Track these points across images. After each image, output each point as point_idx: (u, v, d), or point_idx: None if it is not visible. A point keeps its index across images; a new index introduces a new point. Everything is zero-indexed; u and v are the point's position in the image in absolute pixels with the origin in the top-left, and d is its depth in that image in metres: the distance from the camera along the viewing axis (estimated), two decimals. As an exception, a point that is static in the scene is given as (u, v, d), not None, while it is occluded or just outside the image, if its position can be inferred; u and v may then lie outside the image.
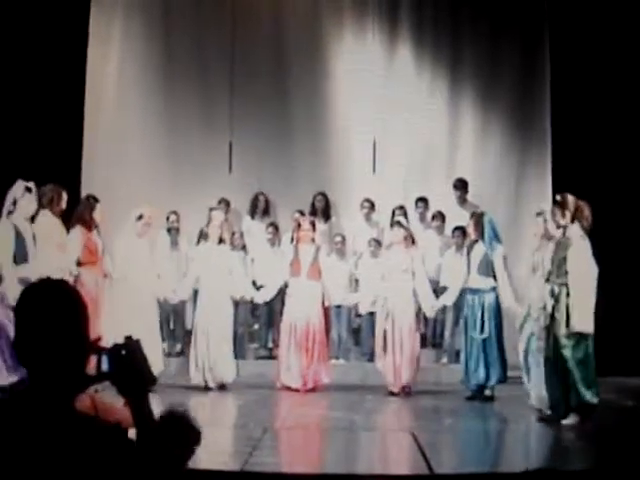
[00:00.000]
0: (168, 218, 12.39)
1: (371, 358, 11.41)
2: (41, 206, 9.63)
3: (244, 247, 12.45)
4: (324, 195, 12.89)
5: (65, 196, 9.88)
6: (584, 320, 8.20)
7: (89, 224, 10.08)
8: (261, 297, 11.26)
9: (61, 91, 12.46)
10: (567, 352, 8.22)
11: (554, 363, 8.31)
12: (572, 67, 12.57)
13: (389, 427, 8.99)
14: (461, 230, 11.75)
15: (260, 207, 12.95)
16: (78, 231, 10.02)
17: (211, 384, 10.54)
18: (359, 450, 7.90)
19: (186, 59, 13.35)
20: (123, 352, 2.37)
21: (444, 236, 12.53)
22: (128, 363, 2.37)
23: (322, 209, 12.81)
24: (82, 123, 12.96)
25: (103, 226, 10.44)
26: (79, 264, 9.97)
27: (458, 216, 12.33)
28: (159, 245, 11.74)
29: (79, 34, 12.84)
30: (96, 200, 10.32)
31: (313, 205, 12.78)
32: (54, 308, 2.40)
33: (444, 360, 12.12)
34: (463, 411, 9.75)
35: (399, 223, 10.94)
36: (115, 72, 13.41)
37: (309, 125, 13.28)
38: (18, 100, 12.32)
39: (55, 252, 9.58)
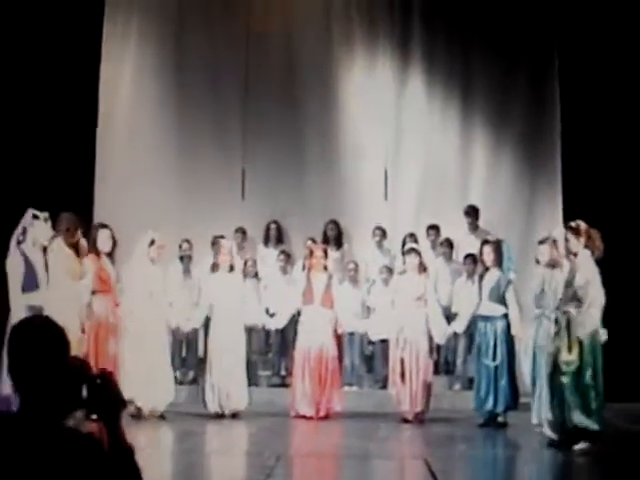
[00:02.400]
0: (181, 246, 12.43)
1: (384, 385, 11.41)
2: (55, 235, 9.69)
3: (256, 274, 12.47)
4: (336, 223, 12.92)
5: (80, 226, 9.91)
6: (583, 331, 8.24)
7: (96, 252, 10.14)
8: (274, 324, 11.27)
9: (73, 119, 12.56)
10: (566, 379, 8.24)
11: (556, 389, 8.32)
12: (581, 95, 12.63)
13: (403, 454, 8.98)
14: (472, 257, 11.77)
15: (272, 235, 13.00)
16: (89, 260, 10.08)
17: (226, 412, 10.54)
18: (373, 478, 7.90)
19: (199, 86, 13.43)
20: (98, 381, 2.75)
21: (453, 262, 12.54)
22: (102, 391, 2.74)
23: (334, 237, 12.83)
24: (94, 152, 13.05)
25: (118, 254, 10.46)
26: (92, 292, 10.02)
27: (470, 243, 12.37)
28: (171, 273, 11.77)
29: (92, 60, 12.93)
30: (103, 226, 10.32)
31: (325, 233, 12.81)
32: (41, 342, 2.73)
33: (457, 387, 12.11)
34: (476, 438, 9.74)
35: (414, 250, 10.93)
36: (127, 100, 13.49)
37: (321, 152, 13.35)
38: (30, 129, 12.41)
39: (67, 281, 9.61)
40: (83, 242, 9.90)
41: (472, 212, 12.87)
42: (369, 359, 12.44)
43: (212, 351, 10.65)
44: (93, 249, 10.12)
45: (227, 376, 10.51)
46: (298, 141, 13.36)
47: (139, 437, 9.48)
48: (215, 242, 12.35)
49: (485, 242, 10.65)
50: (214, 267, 11.01)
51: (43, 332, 2.77)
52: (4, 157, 12.31)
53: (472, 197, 13.17)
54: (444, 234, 12.79)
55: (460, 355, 12.08)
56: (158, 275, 10.49)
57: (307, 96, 13.43)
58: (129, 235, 11.05)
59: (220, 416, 10.50)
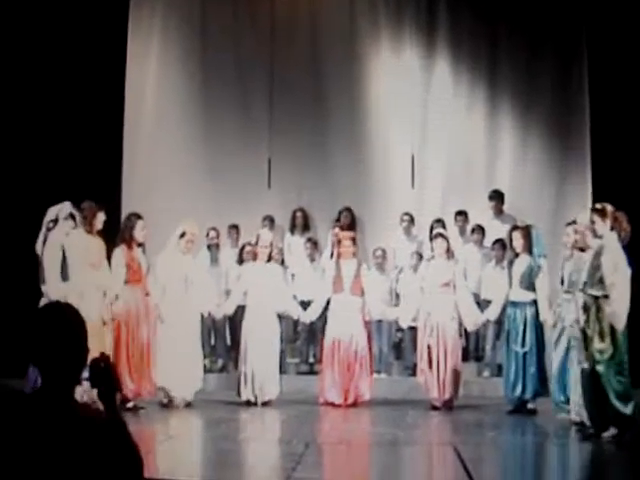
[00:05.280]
0: (208, 234, 12.48)
1: (413, 372, 11.41)
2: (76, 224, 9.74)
3: (282, 262, 12.50)
4: (350, 210, 12.91)
5: (101, 215, 9.93)
6: (618, 320, 8.16)
7: (129, 243, 10.16)
8: (308, 316, 11.25)
9: (100, 112, 12.66)
10: (601, 367, 8.16)
11: (589, 377, 8.26)
12: (610, 79, 12.54)
13: (431, 442, 8.97)
14: (501, 243, 11.73)
15: (298, 223, 13.01)
16: (120, 250, 10.11)
17: (259, 400, 10.57)
18: (402, 465, 7.90)
19: (224, 77, 13.46)
20: (102, 365, 3.06)
21: (484, 249, 12.51)
22: (105, 373, 3.07)
23: (348, 224, 12.74)
24: (121, 143, 13.12)
25: (147, 243, 10.49)
26: (124, 282, 10.06)
27: (495, 228, 12.35)
28: (199, 261, 11.81)
29: (118, 56, 13.03)
30: (138, 217, 10.35)
31: (339, 220, 12.76)
32: (62, 326, 3.01)
33: (486, 373, 12.09)
34: (505, 425, 9.71)
35: (442, 235, 10.89)
36: (153, 92, 13.56)
37: (347, 140, 13.34)
38: (59, 121, 12.53)
39: (88, 270, 9.68)
40: (99, 224, 9.91)
41: (496, 197, 12.82)
42: (397, 346, 12.45)
43: (247, 340, 10.67)
44: (127, 239, 10.14)
45: (262, 365, 10.53)
46: (324, 129, 13.35)
47: (171, 425, 9.55)
48: (231, 230, 12.50)
49: (514, 228, 10.59)
50: (253, 256, 10.97)
51: (66, 316, 3.05)
52: (36, 152, 12.44)
53: (500, 182, 13.12)
54: (472, 220, 12.76)
55: (489, 341, 12.06)
56: (189, 264, 10.53)
57: (333, 85, 13.42)
58: (157, 227, 11.11)
59: (249, 403, 10.53)
